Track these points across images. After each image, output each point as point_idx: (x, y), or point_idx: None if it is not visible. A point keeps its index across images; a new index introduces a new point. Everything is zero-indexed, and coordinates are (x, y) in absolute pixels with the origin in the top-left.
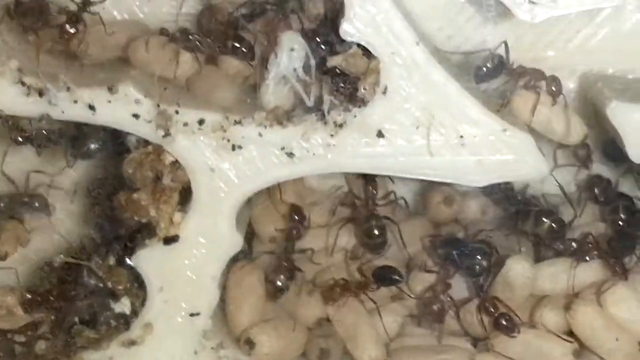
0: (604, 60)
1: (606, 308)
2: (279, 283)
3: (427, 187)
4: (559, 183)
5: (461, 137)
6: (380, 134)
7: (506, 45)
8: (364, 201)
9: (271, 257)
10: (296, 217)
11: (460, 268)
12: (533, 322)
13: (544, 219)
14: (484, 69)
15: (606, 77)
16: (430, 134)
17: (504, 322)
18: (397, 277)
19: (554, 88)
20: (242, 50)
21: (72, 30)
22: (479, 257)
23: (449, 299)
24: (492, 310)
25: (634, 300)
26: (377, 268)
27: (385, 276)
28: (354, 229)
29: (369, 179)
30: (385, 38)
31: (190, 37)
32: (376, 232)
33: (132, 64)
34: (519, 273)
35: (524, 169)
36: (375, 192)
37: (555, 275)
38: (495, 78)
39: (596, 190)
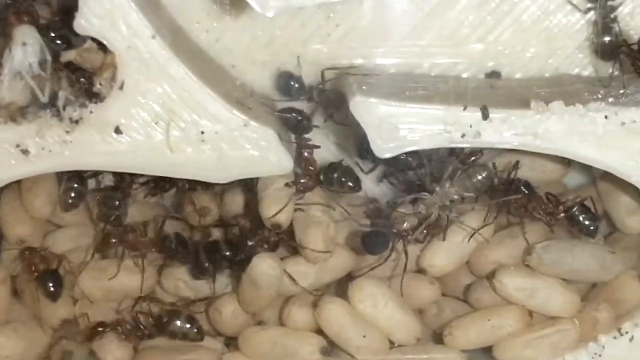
0: (363, 54)
1: (353, 304)
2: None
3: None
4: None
5: (202, 132)
6: (118, 130)
7: None
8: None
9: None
10: None
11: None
12: (282, 320)
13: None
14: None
15: (357, 71)
16: (170, 130)
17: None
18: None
19: (299, 182)
20: None
21: None
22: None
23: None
24: None
25: (380, 296)
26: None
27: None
28: None
29: None
30: (120, 32)
31: None
32: (117, 203)
33: None
34: (263, 271)
35: (266, 165)
36: None
37: (303, 271)
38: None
39: None
